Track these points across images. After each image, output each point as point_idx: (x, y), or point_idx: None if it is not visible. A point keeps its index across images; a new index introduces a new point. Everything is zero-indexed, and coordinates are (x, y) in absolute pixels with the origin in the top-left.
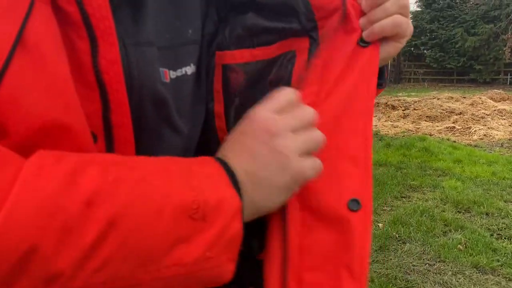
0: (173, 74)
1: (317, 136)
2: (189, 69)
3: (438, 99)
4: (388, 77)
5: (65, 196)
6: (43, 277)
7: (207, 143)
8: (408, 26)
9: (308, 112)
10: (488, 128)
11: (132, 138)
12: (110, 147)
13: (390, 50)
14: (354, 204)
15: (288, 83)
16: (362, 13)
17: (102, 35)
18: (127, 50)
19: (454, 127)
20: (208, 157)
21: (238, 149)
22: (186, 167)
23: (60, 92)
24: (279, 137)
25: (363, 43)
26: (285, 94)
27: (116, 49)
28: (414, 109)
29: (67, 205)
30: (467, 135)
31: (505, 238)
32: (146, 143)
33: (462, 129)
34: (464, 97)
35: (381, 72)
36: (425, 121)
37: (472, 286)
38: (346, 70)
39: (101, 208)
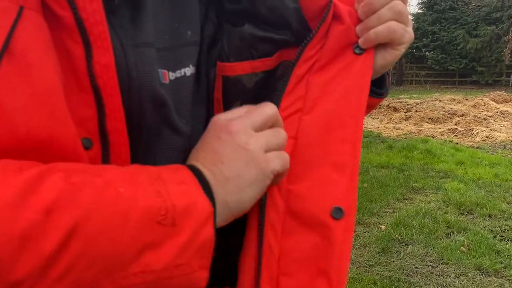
0: (172, 75)
1: (280, 132)
2: (188, 70)
3: (440, 101)
4: (389, 86)
5: (23, 204)
6: (2, 286)
7: None
8: (404, 32)
9: (270, 111)
10: (491, 129)
11: (127, 143)
12: (105, 152)
13: (388, 57)
14: (337, 212)
15: (285, 84)
16: (359, 21)
17: (96, 40)
18: (125, 51)
19: (456, 129)
20: (179, 164)
21: (203, 153)
22: (154, 174)
23: (46, 100)
24: (240, 134)
25: (358, 50)
26: (245, 107)
27: (110, 53)
28: (416, 111)
29: (26, 213)
30: (470, 137)
31: (508, 240)
32: (146, 143)
33: (464, 131)
34: (466, 99)
35: (383, 80)
36: (427, 123)
37: None
38: (338, 77)
39: (62, 215)
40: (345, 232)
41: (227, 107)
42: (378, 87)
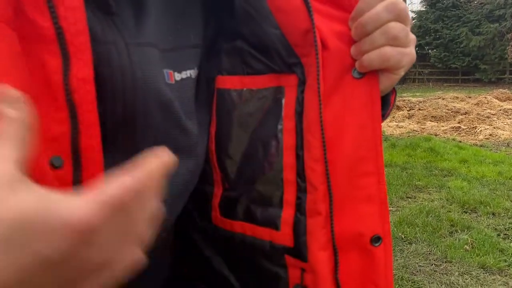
0: (178, 76)
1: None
2: (193, 73)
3: (443, 99)
4: (394, 103)
5: None
6: None
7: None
8: (401, 57)
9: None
10: (494, 127)
11: (102, 161)
12: (77, 173)
13: (385, 82)
14: (376, 240)
15: (279, 118)
16: (354, 41)
17: (76, 51)
18: (129, 50)
19: (459, 127)
20: None
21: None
22: None
23: None
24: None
25: (357, 74)
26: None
27: (90, 66)
28: (419, 109)
29: None
30: (473, 135)
31: None
32: (154, 143)
33: (467, 129)
34: (470, 97)
35: (384, 100)
36: (430, 121)
37: (479, 286)
38: (346, 109)
39: None
40: (386, 252)
41: (219, 122)
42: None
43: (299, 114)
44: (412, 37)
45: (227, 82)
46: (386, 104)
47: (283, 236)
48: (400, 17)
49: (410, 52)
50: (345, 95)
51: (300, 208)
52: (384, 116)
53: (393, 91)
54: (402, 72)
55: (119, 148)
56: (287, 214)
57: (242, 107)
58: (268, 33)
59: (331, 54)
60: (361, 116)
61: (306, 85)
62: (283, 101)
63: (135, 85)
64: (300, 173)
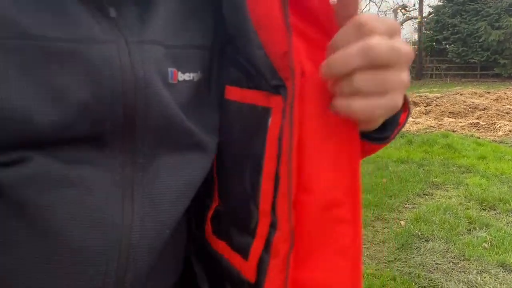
0: (181, 77)
1: None
2: (196, 76)
3: (461, 94)
4: (402, 127)
5: None
6: None
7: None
8: (372, 110)
9: None
10: None
11: None
12: None
13: (363, 127)
14: None
15: (264, 140)
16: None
17: None
18: (130, 48)
19: (478, 123)
20: None
21: None
22: None
23: None
24: None
25: (334, 108)
26: None
27: None
28: (437, 105)
29: None
30: (492, 131)
31: None
32: (156, 142)
33: (486, 125)
34: (488, 92)
35: (388, 122)
36: (448, 117)
37: (498, 285)
38: (320, 144)
39: None
40: None
41: (221, 133)
42: (383, 129)
43: (281, 140)
44: (400, 81)
45: (232, 93)
46: (393, 124)
47: (249, 269)
48: (374, 64)
49: (385, 104)
50: (322, 129)
51: (267, 244)
52: (388, 138)
53: (406, 108)
54: (380, 121)
55: (119, 147)
56: (257, 246)
57: (240, 121)
58: (253, 51)
59: (308, 82)
60: (337, 154)
61: (285, 112)
62: (269, 123)
63: (136, 84)
64: (274, 205)
